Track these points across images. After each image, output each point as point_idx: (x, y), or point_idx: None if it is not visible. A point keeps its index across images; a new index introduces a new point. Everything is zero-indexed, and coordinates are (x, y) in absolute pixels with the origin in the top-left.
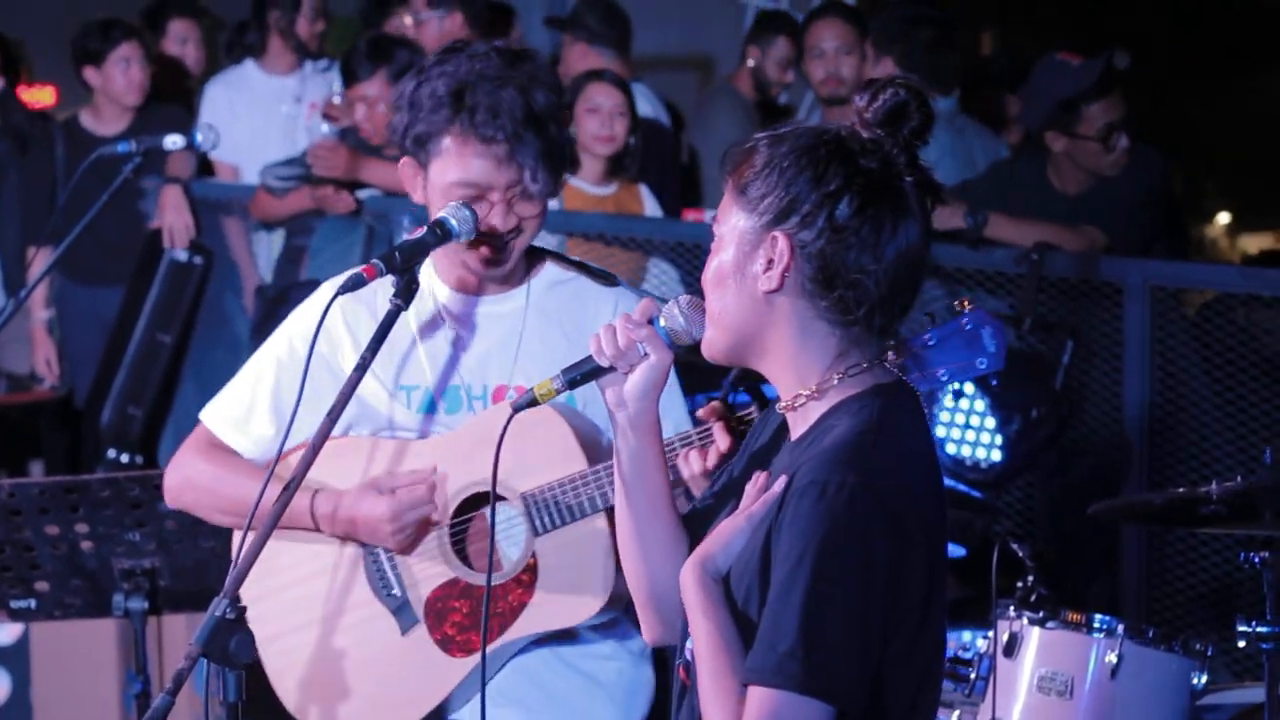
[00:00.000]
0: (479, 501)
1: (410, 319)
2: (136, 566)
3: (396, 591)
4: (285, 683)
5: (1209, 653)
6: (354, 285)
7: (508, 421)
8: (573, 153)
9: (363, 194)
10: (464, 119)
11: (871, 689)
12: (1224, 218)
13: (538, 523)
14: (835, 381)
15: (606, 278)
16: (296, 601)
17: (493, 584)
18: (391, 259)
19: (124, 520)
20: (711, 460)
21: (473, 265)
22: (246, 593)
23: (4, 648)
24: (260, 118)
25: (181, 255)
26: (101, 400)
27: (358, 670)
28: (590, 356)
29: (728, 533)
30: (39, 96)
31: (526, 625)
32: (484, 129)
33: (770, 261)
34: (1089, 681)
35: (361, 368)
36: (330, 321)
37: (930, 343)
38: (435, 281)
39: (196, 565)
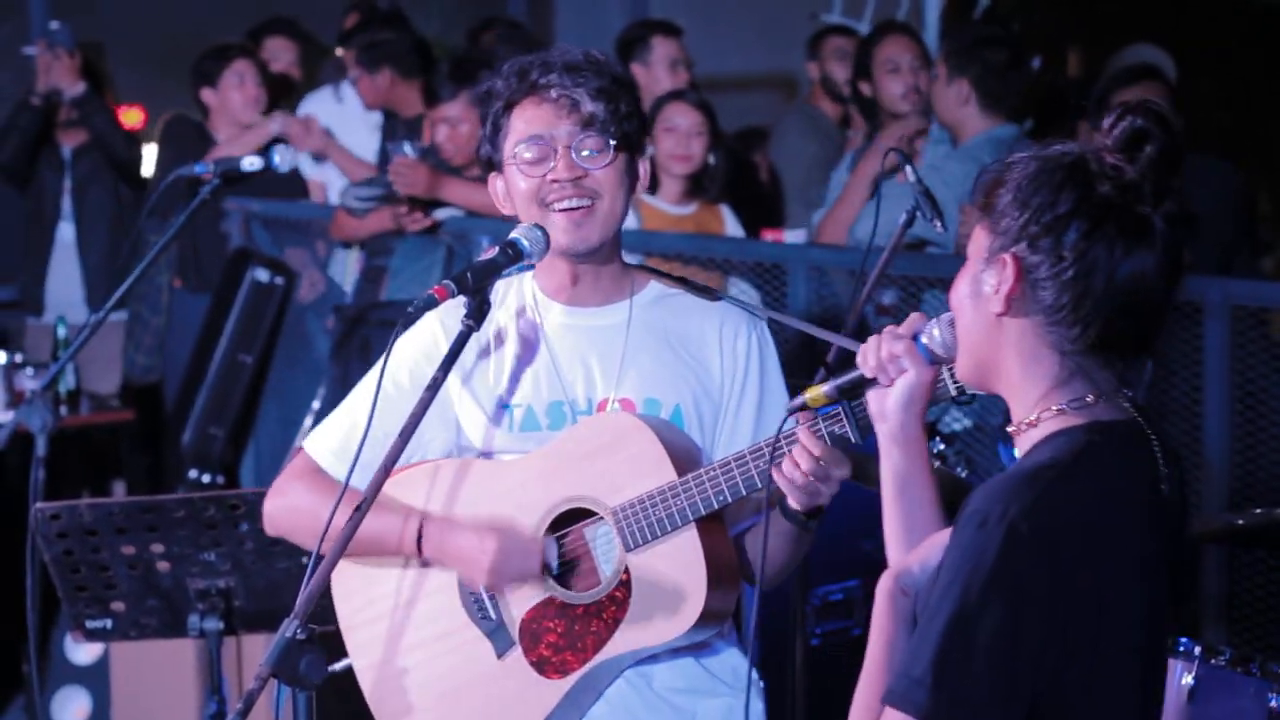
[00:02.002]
0: (573, 518)
1: (511, 336)
2: (212, 587)
3: (491, 615)
4: (383, 712)
5: None
6: (425, 306)
7: (781, 424)
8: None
9: (442, 214)
10: (525, 86)
11: None
12: None
13: (629, 538)
14: (1054, 411)
15: (710, 292)
16: (394, 629)
17: (587, 601)
18: (464, 279)
19: (199, 540)
20: (805, 465)
21: (558, 239)
22: (346, 623)
23: (84, 667)
24: (352, 138)
25: (263, 276)
26: (183, 421)
27: (456, 696)
28: (856, 366)
29: (928, 549)
30: (128, 118)
31: (623, 643)
32: (542, 81)
33: (999, 283)
34: (1166, 705)
35: (433, 388)
36: (435, 344)
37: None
38: (539, 296)
39: (271, 586)
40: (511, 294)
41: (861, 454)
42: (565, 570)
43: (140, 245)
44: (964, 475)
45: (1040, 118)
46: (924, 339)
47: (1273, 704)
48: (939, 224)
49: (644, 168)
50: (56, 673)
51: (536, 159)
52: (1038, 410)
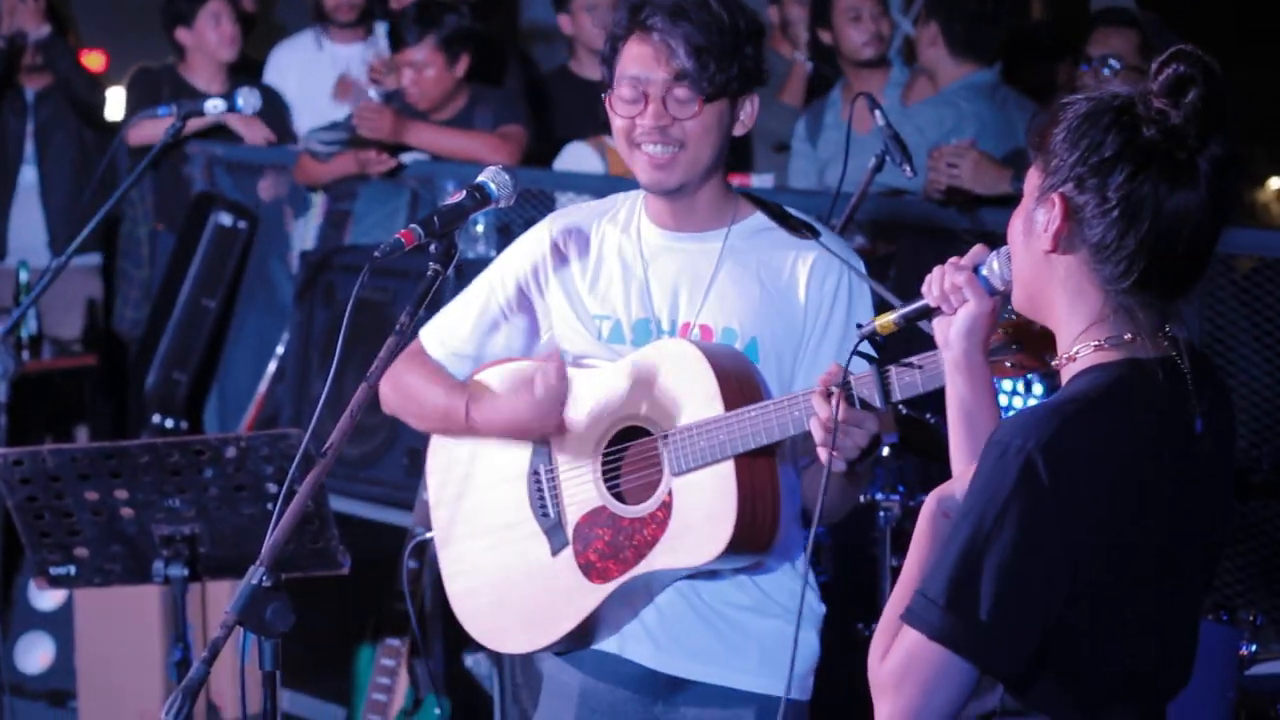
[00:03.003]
0: (634, 433)
1: (611, 251)
2: (176, 533)
3: (551, 513)
4: (453, 585)
5: (1258, 622)
6: (392, 250)
7: (854, 347)
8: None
9: (406, 158)
10: (634, 23)
11: (1051, 663)
12: (1275, 182)
13: (674, 462)
14: (1092, 347)
15: (809, 230)
16: (469, 512)
17: (632, 516)
18: (430, 223)
19: (164, 487)
20: (816, 433)
21: (640, 176)
22: (434, 498)
23: (48, 613)
24: (327, 84)
25: (226, 220)
26: (146, 365)
27: (511, 583)
28: (922, 296)
29: (971, 475)
30: (90, 61)
31: (656, 560)
32: (648, 21)
33: (1048, 222)
34: None
35: (400, 331)
36: (542, 251)
37: None
38: (643, 218)
39: (236, 532)
40: (624, 211)
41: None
42: (625, 481)
43: (109, 189)
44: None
45: (1009, 61)
46: (984, 270)
47: (1243, 650)
48: (908, 169)
49: (750, 105)
50: (20, 619)
51: (630, 99)
52: (1078, 345)
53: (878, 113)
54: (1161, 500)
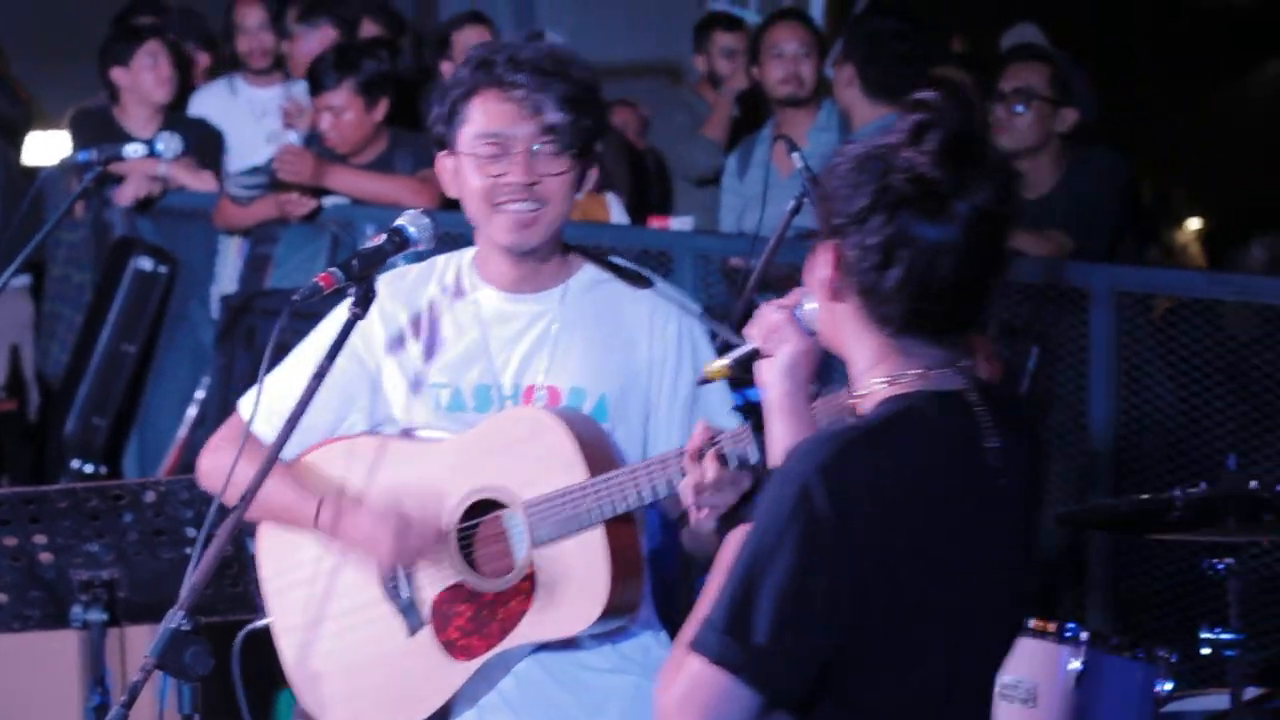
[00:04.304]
0: (488, 506)
1: (445, 316)
2: (95, 578)
3: (405, 592)
4: (298, 676)
5: (1173, 660)
6: (311, 294)
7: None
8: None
9: (327, 201)
10: (487, 75)
11: (833, 689)
12: (1194, 223)
13: (536, 533)
14: (883, 384)
15: (642, 280)
16: (312, 596)
17: (494, 590)
18: (349, 266)
19: (82, 531)
20: (686, 495)
21: (499, 238)
22: (269, 585)
23: None
24: (244, 133)
25: (147, 264)
26: (65, 410)
27: (367, 667)
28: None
29: None
30: None
31: (525, 633)
32: (506, 77)
33: (822, 271)
34: (1053, 689)
35: (319, 376)
36: (367, 324)
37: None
38: (475, 279)
39: (155, 576)
40: (450, 271)
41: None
42: (481, 555)
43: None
44: None
45: None
46: (801, 311)
47: (1159, 689)
48: None
49: (594, 172)
50: None
51: (492, 157)
52: (869, 382)
53: (795, 155)
54: (948, 534)
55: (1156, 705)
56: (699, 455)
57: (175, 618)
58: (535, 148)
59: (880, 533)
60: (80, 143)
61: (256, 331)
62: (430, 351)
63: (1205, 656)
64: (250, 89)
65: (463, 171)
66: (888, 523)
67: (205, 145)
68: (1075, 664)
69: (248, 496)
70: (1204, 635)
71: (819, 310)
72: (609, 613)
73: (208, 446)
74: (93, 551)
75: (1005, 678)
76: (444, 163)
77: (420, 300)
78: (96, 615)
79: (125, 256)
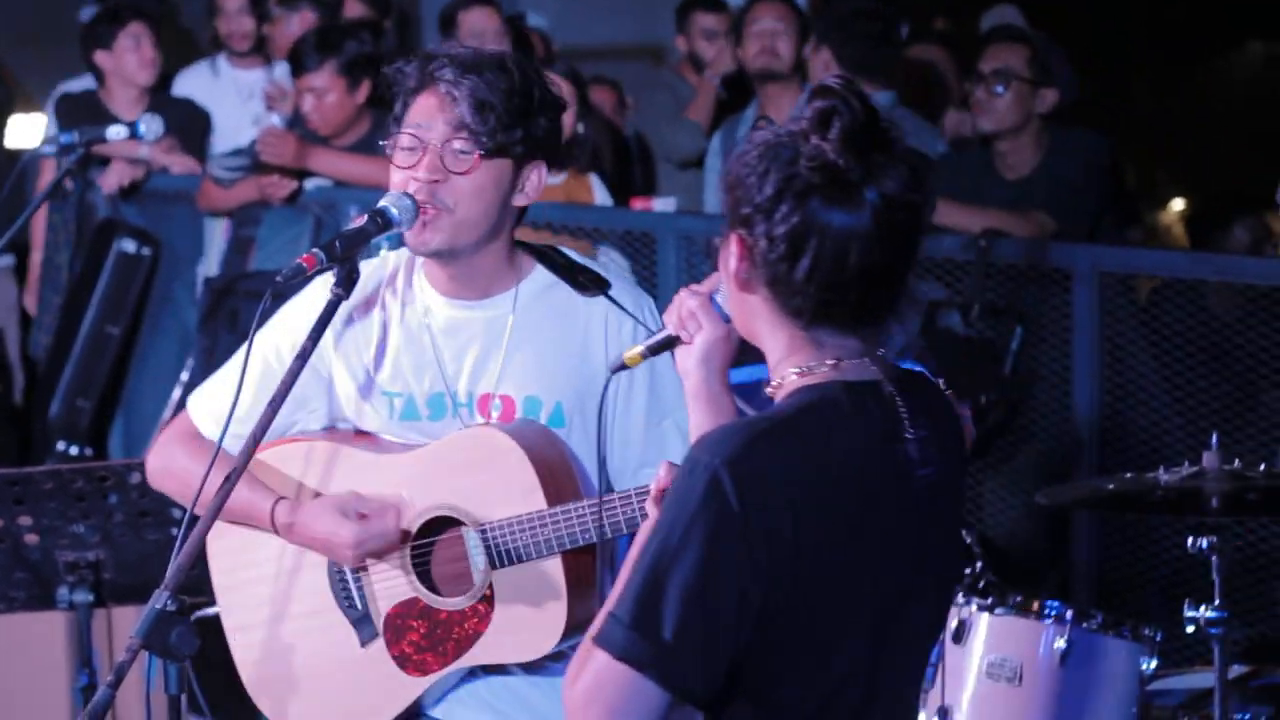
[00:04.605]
0: (444, 524)
1: (394, 321)
2: (81, 559)
3: (357, 604)
4: (248, 675)
5: (1158, 638)
6: (293, 276)
7: (605, 386)
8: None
9: (309, 184)
10: (423, 75)
11: (746, 686)
12: (1178, 204)
13: (495, 557)
14: (795, 375)
15: (597, 283)
16: (264, 597)
17: (450, 609)
18: (332, 248)
19: (68, 513)
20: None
21: (409, 240)
22: (219, 581)
23: None
24: (227, 115)
25: (130, 246)
26: (50, 393)
27: (317, 675)
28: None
29: None
30: None
31: (481, 654)
32: (436, 74)
33: (730, 262)
34: (1038, 668)
35: (302, 357)
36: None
37: None
38: (425, 286)
39: (140, 557)
40: (401, 273)
41: None
42: (437, 571)
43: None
44: None
45: (910, 84)
46: (718, 297)
47: (1144, 667)
48: None
49: (535, 175)
50: None
51: (407, 148)
52: (780, 373)
53: None
54: (864, 526)
55: (1142, 683)
56: (662, 499)
57: (161, 598)
58: (445, 144)
59: (789, 526)
60: (66, 126)
61: (240, 314)
62: (380, 357)
63: (1190, 635)
64: (233, 70)
65: (393, 163)
66: (797, 516)
67: (192, 127)
68: (1060, 643)
69: (209, 508)
70: (1188, 614)
71: (732, 299)
72: (567, 636)
73: (155, 446)
74: (78, 533)
75: (991, 656)
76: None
77: (370, 301)
78: (83, 596)
79: (108, 239)
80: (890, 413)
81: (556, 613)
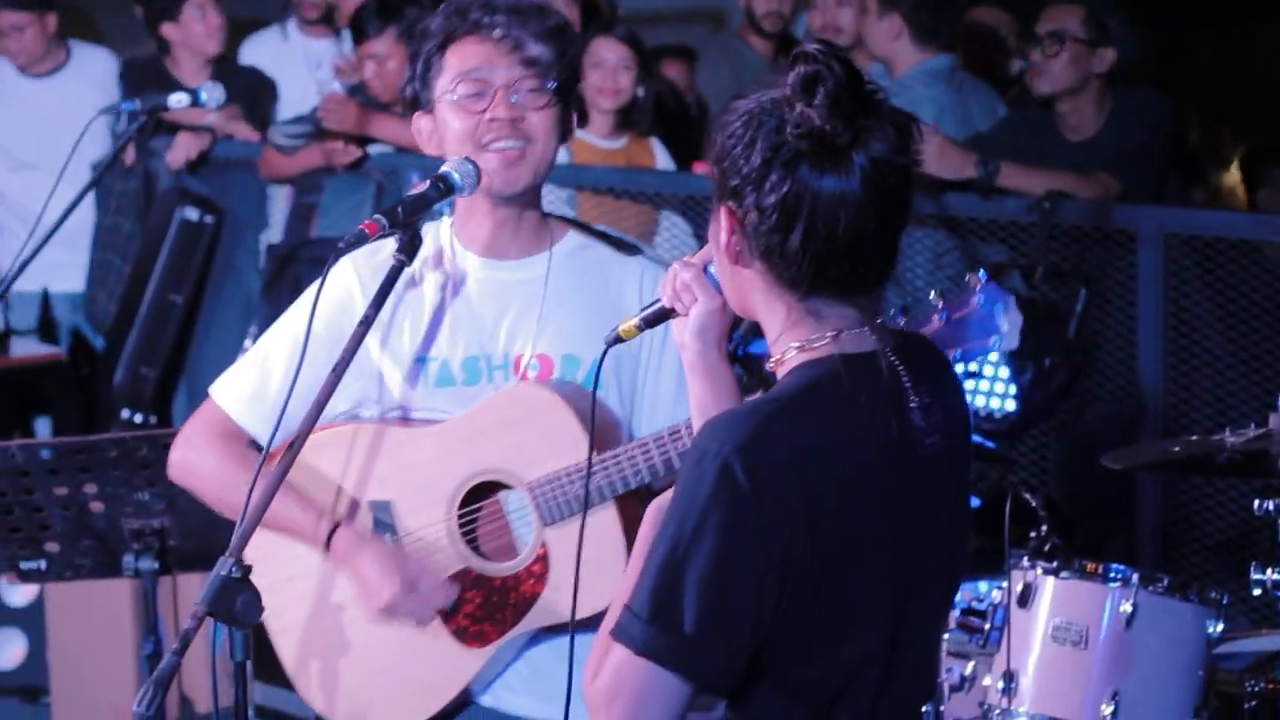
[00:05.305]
0: (487, 489)
1: (428, 288)
2: (146, 526)
3: None
4: (303, 676)
5: (1225, 601)
6: (356, 241)
7: (601, 357)
8: (581, 104)
9: (372, 150)
10: (462, 22)
11: (769, 673)
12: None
13: (546, 513)
14: (795, 349)
15: (628, 247)
16: (309, 592)
17: (504, 574)
18: (394, 214)
19: (133, 480)
20: None
21: (494, 183)
22: (260, 582)
23: (19, 609)
24: (295, 80)
25: (193, 214)
26: (114, 361)
27: (375, 662)
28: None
29: None
30: None
31: (541, 616)
32: (482, 20)
33: (721, 235)
34: (1104, 631)
35: (366, 323)
36: (350, 294)
37: (940, 321)
38: (457, 247)
39: (205, 524)
40: (429, 240)
41: None
42: (485, 539)
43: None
44: None
45: (970, 47)
46: (713, 268)
47: (1210, 630)
48: None
49: (574, 118)
50: None
51: (474, 95)
52: (780, 349)
53: None
54: (873, 500)
55: (1208, 647)
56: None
57: (226, 565)
58: (516, 83)
59: (804, 508)
60: (131, 93)
61: (302, 280)
62: (415, 323)
63: (1257, 597)
64: (302, 38)
65: (442, 119)
66: (811, 497)
67: (256, 95)
68: (1126, 606)
69: (274, 474)
70: (1255, 576)
71: (724, 272)
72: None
73: (181, 438)
74: (143, 500)
75: (1056, 620)
76: (420, 123)
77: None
78: (148, 564)
79: (171, 206)
80: (894, 383)
81: (615, 561)
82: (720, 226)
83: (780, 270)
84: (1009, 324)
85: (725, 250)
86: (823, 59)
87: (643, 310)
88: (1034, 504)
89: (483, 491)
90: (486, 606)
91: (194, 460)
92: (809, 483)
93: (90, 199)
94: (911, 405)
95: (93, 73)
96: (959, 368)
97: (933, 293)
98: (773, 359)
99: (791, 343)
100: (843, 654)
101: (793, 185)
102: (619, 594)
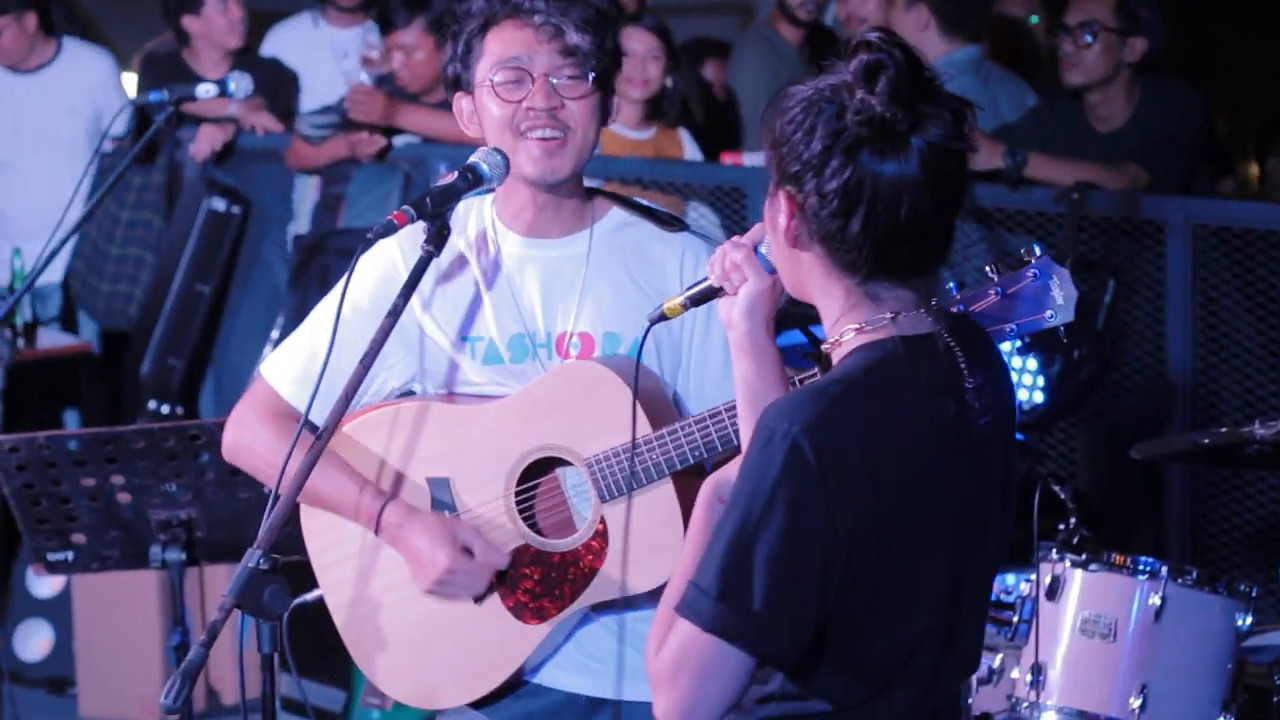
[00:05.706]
0: (545, 466)
1: (473, 268)
2: (173, 518)
3: None
4: (361, 648)
5: (1254, 594)
6: (385, 232)
7: (644, 335)
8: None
9: (399, 140)
10: (507, 8)
11: (832, 649)
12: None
13: (604, 489)
14: (853, 331)
15: (672, 222)
16: (367, 567)
17: (563, 549)
18: (422, 204)
19: (160, 471)
20: None
21: (526, 169)
22: (316, 562)
23: (46, 600)
24: (323, 69)
25: (220, 205)
26: (141, 351)
27: (433, 637)
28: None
29: None
30: None
31: (600, 591)
32: (523, 4)
33: (780, 219)
34: (1132, 624)
35: (394, 314)
36: (395, 269)
37: (996, 296)
38: (499, 227)
39: (233, 516)
40: (471, 220)
41: None
42: (542, 516)
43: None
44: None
45: (998, 38)
46: (763, 248)
47: (1239, 623)
48: None
49: (614, 104)
50: (18, 606)
51: (513, 82)
52: (840, 329)
53: None
54: (933, 479)
55: (1237, 640)
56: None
57: (253, 557)
58: (556, 70)
59: (869, 488)
60: (150, 84)
61: (330, 271)
62: (460, 304)
63: None
64: (331, 28)
65: (482, 104)
66: (875, 477)
67: (278, 86)
68: (1155, 599)
69: (303, 464)
70: None
71: (780, 255)
72: None
73: (233, 418)
74: (170, 491)
75: (1085, 613)
76: (460, 104)
77: (446, 254)
78: (175, 555)
79: (198, 197)
80: (950, 364)
81: (673, 537)
82: (778, 210)
83: (840, 254)
84: (1064, 297)
85: (784, 234)
86: (885, 47)
87: (688, 289)
88: (1063, 496)
89: (540, 468)
90: (545, 582)
91: (246, 439)
92: (874, 461)
93: (85, 187)
94: (967, 386)
95: (82, 71)
96: (1012, 344)
97: (987, 267)
98: (829, 340)
99: (849, 325)
100: (903, 630)
101: (854, 171)
102: (677, 570)
